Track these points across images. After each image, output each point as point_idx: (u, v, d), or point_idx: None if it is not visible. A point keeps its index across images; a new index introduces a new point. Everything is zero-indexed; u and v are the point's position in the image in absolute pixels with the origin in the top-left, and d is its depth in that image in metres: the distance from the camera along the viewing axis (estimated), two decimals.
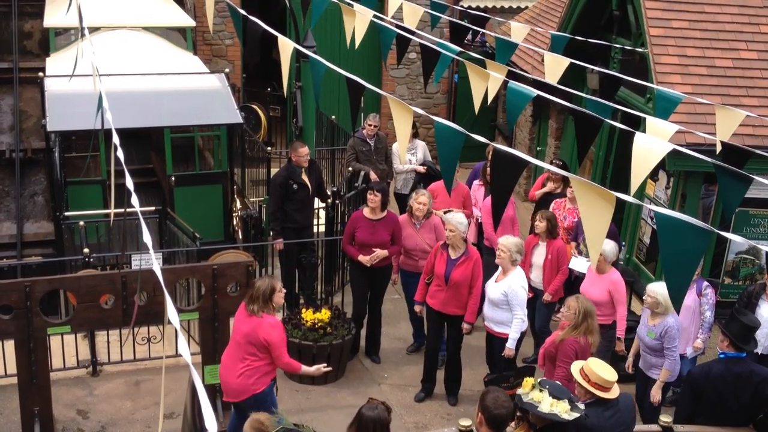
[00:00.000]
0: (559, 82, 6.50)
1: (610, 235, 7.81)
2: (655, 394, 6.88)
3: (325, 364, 6.76)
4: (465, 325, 7.59)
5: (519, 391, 5.11)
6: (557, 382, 5.26)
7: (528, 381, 5.09)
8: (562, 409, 4.89)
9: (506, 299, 7.19)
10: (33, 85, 10.43)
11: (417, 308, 7.97)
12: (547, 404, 4.92)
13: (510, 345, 7.24)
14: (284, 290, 6.48)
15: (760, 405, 5.96)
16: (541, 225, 8.03)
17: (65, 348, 7.91)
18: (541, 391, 4.98)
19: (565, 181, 9.15)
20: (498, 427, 4.62)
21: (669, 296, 3.85)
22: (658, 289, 6.73)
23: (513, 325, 7.22)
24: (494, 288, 7.30)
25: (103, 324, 7.13)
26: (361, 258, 8.08)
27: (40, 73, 9.63)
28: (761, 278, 7.68)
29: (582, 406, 5.05)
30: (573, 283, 8.50)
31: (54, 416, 7.06)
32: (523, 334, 7.40)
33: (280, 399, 7.60)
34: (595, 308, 6.54)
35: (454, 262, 7.47)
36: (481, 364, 7.95)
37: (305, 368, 6.56)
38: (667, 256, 3.40)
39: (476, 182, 9.68)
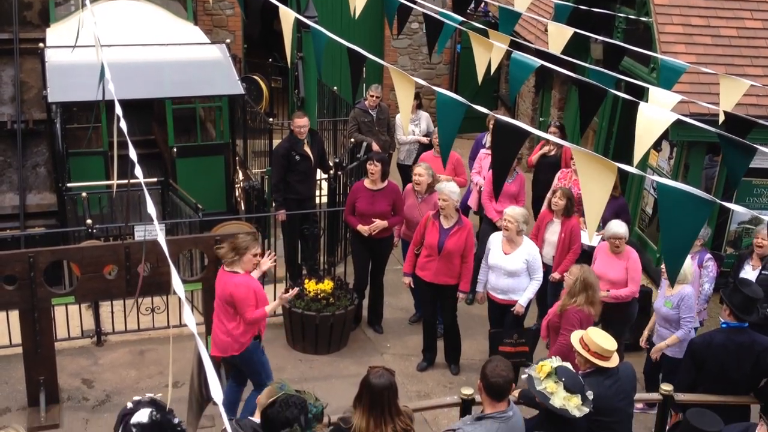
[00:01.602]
0: (563, 52, 6.44)
1: (620, 210, 7.83)
2: (656, 354, 7.01)
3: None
4: (461, 295, 7.62)
5: (532, 373, 4.99)
6: (570, 367, 5.10)
7: (545, 366, 4.95)
8: (574, 405, 4.82)
9: (526, 267, 7.29)
10: (33, 56, 10.38)
11: (406, 280, 7.94)
12: (560, 398, 4.84)
13: (522, 302, 7.32)
14: (259, 258, 6.52)
15: (762, 374, 6.00)
16: (560, 203, 7.92)
17: (70, 318, 7.97)
18: (556, 382, 4.88)
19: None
20: (496, 395, 4.61)
21: (665, 266, 3.85)
22: None
23: (531, 285, 7.33)
24: (511, 259, 7.29)
25: (107, 294, 7.18)
26: (360, 227, 8.07)
27: (41, 44, 9.59)
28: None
29: (591, 397, 4.94)
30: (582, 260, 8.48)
31: (59, 385, 7.14)
32: (529, 302, 7.47)
33: (283, 368, 7.69)
34: (598, 280, 6.56)
35: (447, 232, 7.45)
36: (481, 333, 7.99)
37: (269, 307, 6.48)
38: (666, 226, 3.40)
39: (483, 151, 9.60)
